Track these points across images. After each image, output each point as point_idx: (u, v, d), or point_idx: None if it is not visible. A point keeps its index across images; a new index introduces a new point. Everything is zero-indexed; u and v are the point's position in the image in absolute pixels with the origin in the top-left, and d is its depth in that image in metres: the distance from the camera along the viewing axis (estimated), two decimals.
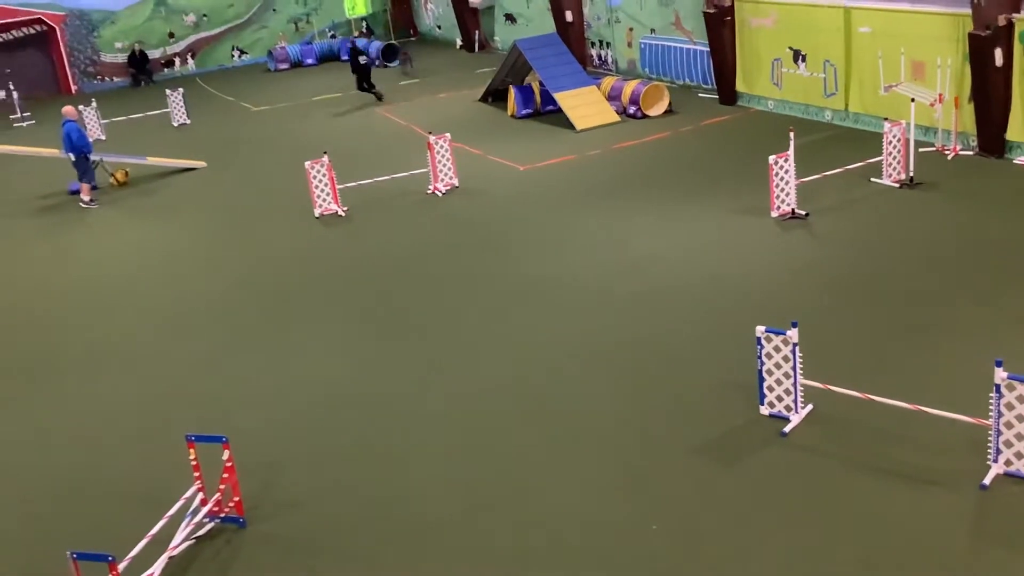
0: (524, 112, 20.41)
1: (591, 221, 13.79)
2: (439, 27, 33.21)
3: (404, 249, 13.48)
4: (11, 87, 27.95)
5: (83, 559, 6.08)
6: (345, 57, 31.21)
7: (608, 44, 23.77)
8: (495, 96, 22.05)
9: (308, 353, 10.52)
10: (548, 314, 10.85)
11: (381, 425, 8.86)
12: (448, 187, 15.82)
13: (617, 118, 19.26)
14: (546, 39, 21.17)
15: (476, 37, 30.03)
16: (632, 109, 19.42)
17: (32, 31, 30.18)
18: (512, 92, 20.53)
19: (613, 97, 19.80)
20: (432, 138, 15.71)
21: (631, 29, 22.73)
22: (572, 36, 23.55)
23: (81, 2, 30.69)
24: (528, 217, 14.27)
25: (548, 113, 20.10)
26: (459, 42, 30.99)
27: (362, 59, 24.08)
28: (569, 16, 23.99)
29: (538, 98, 20.39)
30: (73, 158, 17.09)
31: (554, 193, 15.24)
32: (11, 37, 29.99)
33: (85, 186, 17.23)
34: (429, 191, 15.74)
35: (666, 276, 11.56)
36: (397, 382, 9.66)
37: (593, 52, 24.37)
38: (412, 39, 33.95)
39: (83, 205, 17.18)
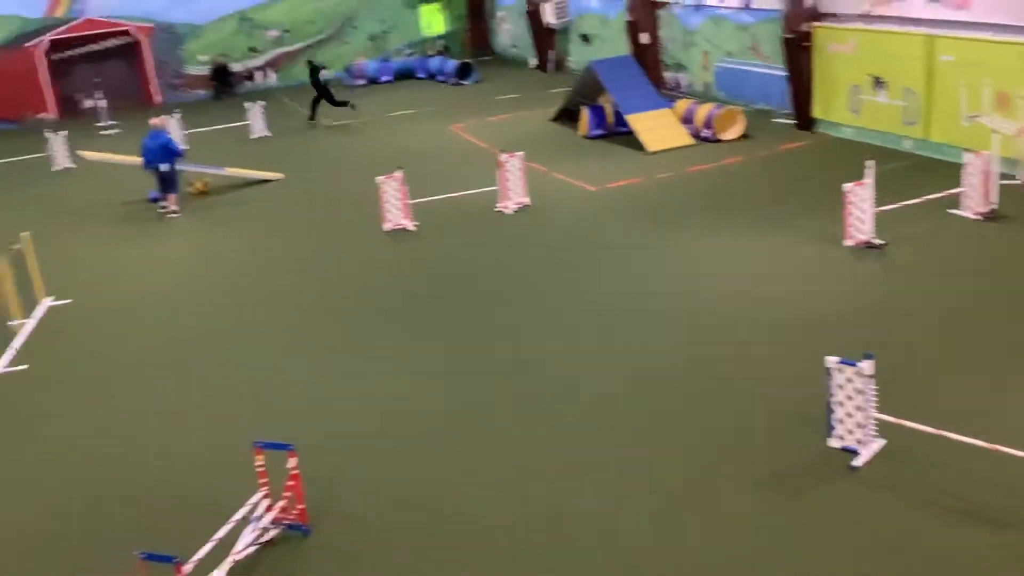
0: (596, 132, 20.42)
1: (661, 244, 13.71)
2: (514, 46, 33.43)
3: (472, 266, 13.56)
4: (99, 96, 28.90)
5: (150, 559, 6.21)
6: (421, 75, 31.68)
7: (683, 67, 23.67)
8: (568, 116, 22.10)
9: (375, 366, 10.62)
10: (614, 335, 10.81)
11: (447, 439, 8.89)
12: (518, 205, 15.88)
13: (690, 141, 19.15)
14: (621, 60, 21.18)
15: (550, 57, 30.16)
16: (706, 132, 19.30)
17: (121, 42, 31.18)
18: (585, 112, 20.56)
19: (687, 120, 19.70)
20: (503, 156, 15.80)
21: (707, 52, 22.62)
22: (647, 58, 23.51)
23: (169, 15, 31.61)
24: (597, 238, 14.24)
25: (620, 134, 20.06)
26: (533, 61, 31.16)
27: (322, 75, 25.27)
28: (645, 38, 23.97)
29: (610, 119, 20.38)
30: (166, 168, 17.29)
31: (624, 214, 15.20)
32: (101, 48, 31.03)
33: (173, 196, 17.56)
34: (498, 209, 15.82)
35: (735, 301, 11.43)
36: (463, 398, 9.69)
37: (668, 75, 24.29)
38: (487, 58, 34.22)
39: (162, 211, 17.53)
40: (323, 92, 25.26)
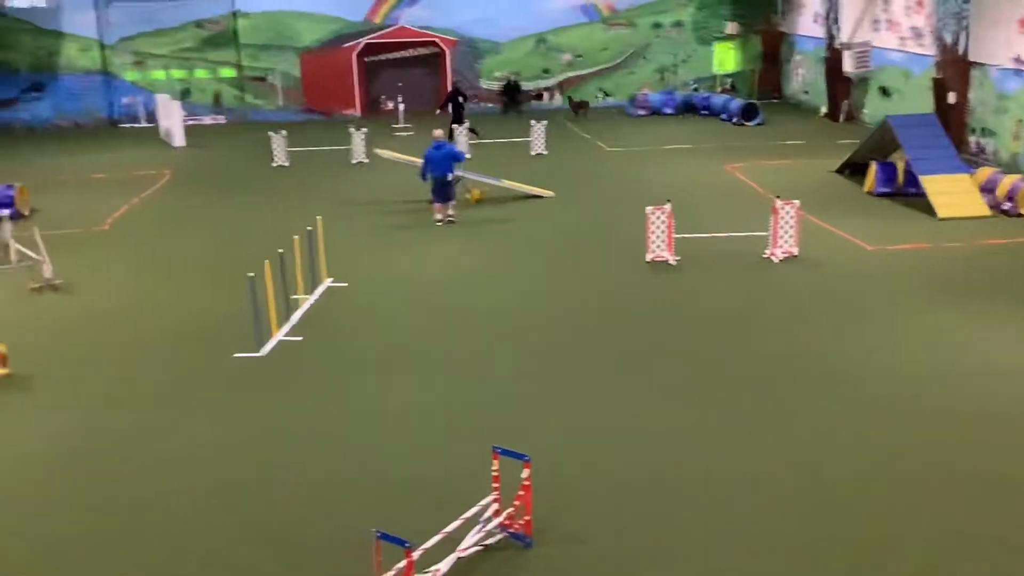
0: (882, 190, 19.36)
1: (936, 319, 12.66)
2: (805, 92, 32.44)
3: (726, 309, 13.21)
4: (399, 100, 30.98)
5: (385, 539, 6.51)
6: (704, 111, 31.44)
7: (991, 132, 21.95)
8: (853, 169, 21.12)
9: (616, 392, 10.59)
10: (865, 411, 10.06)
11: (683, 476, 8.70)
12: (786, 254, 15.33)
13: (988, 212, 17.72)
14: (921, 118, 19.99)
15: (843, 107, 29.00)
16: (1007, 205, 17.78)
17: (427, 52, 33.25)
18: (873, 167, 19.55)
19: (987, 189, 18.25)
20: (779, 202, 15.32)
21: (1021, 120, 20.84)
22: (951, 119, 22.01)
23: (473, 31, 33.37)
24: (865, 301, 13.40)
25: (909, 195, 18.90)
26: (824, 109, 30.09)
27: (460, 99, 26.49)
28: (952, 97, 22.47)
29: (901, 177, 19.26)
30: (449, 178, 17.82)
31: (900, 281, 14.25)
32: (407, 56, 33.25)
33: (452, 203, 18.12)
34: (765, 255, 15.35)
35: (1007, 401, 10.27)
36: (700, 438, 9.45)
37: (971, 139, 22.62)
38: (774, 101, 33.42)
39: (439, 221, 18.05)
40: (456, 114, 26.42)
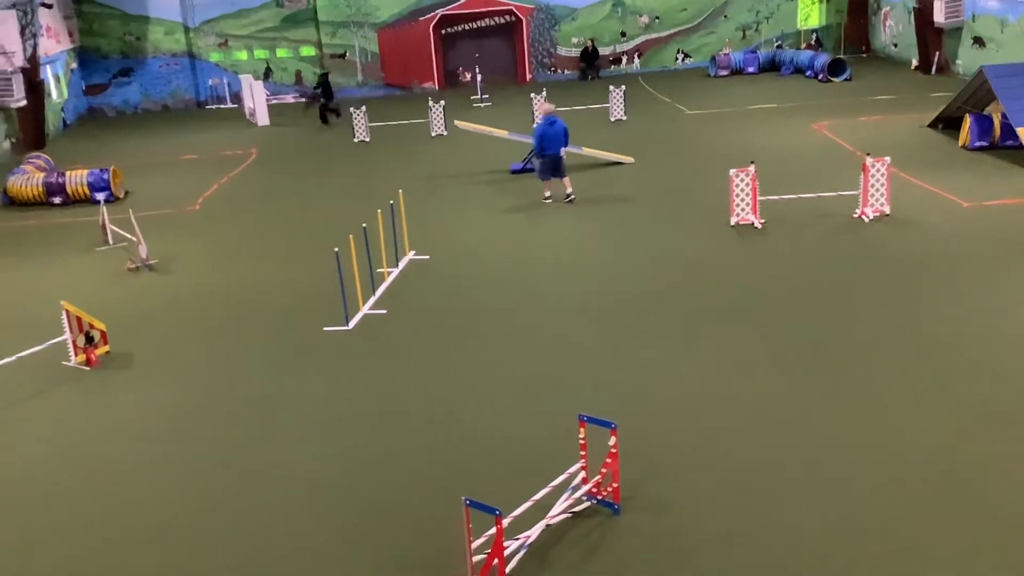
0: (978, 144, 18.63)
1: None
2: (895, 45, 31.36)
3: (818, 273, 12.90)
4: (477, 70, 30.95)
5: (474, 507, 6.58)
6: (788, 69, 30.62)
7: None
8: (946, 123, 20.36)
9: (704, 361, 10.47)
10: (958, 379, 9.74)
11: (770, 446, 8.58)
12: (877, 214, 14.89)
13: None
14: (1018, 68, 19.09)
15: (935, 59, 27.94)
16: None
17: (503, 21, 33.10)
18: (968, 120, 18.81)
19: None
20: (869, 160, 14.87)
21: None
22: None
23: None
24: (963, 261, 12.95)
25: (1006, 148, 18.15)
26: (915, 62, 29.05)
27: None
28: None
29: (997, 130, 18.50)
30: (562, 154, 17.03)
31: (999, 238, 13.71)
32: (483, 25, 33.14)
33: (548, 182, 17.28)
34: (855, 215, 14.93)
35: None
36: (791, 407, 9.29)
37: None
38: (862, 55, 32.38)
39: (546, 199, 17.26)
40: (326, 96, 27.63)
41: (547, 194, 17.36)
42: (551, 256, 14.51)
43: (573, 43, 33.42)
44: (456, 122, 21.64)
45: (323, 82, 28.23)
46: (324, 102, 27.89)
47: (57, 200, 19.77)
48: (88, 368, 11.29)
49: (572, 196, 17.14)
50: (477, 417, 9.51)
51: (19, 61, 25.69)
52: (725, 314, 11.74)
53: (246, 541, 7.68)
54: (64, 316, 11.25)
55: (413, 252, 14.75)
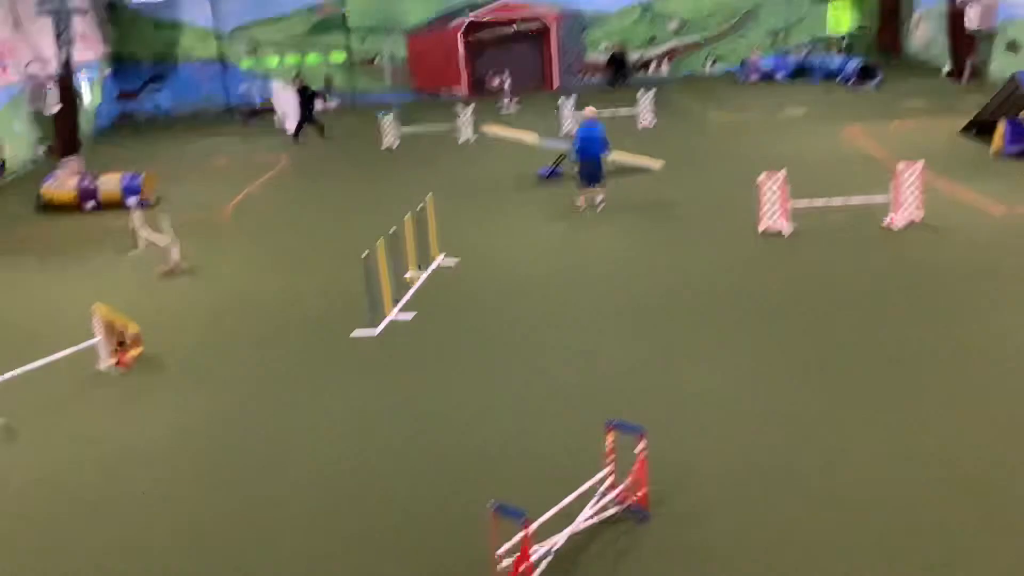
0: (1012, 150, 18.42)
1: None
2: (927, 50, 31.06)
3: (848, 281, 12.77)
4: (506, 77, 31.04)
5: (502, 512, 6.58)
6: (819, 74, 30.45)
7: None
8: (980, 129, 20.14)
9: (732, 369, 10.41)
10: (993, 394, 9.63)
11: (799, 456, 8.50)
12: (907, 221, 14.75)
13: None
14: None
15: (968, 65, 27.66)
16: None
17: (531, 27, 33.16)
18: (1002, 126, 18.60)
19: None
20: (900, 166, 14.73)
21: None
22: None
23: (580, 3, 33.08)
24: (995, 269, 12.75)
25: None
26: (947, 68, 28.77)
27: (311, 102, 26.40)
28: None
29: None
30: (599, 159, 16.78)
31: None
32: (512, 32, 33.22)
33: (591, 188, 17.01)
34: (885, 222, 14.80)
35: None
36: (819, 419, 9.20)
37: None
38: (894, 61, 32.12)
39: (579, 207, 16.98)
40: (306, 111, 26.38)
41: (581, 202, 17.11)
42: (578, 261, 14.49)
43: (602, 48, 33.42)
44: (485, 128, 21.68)
45: (306, 95, 26.48)
46: (303, 120, 26.32)
47: (90, 205, 20.03)
48: (121, 371, 11.42)
49: (602, 203, 17.04)
50: (504, 423, 9.50)
51: (54, 67, 26.09)
52: (753, 322, 11.66)
53: (277, 546, 7.72)
54: (96, 319, 11.38)
55: (442, 256, 14.79)
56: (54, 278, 15.57)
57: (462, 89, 33.33)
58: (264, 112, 28.21)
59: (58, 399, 10.77)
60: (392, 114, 25.10)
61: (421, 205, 14.81)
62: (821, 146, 20.90)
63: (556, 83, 33.26)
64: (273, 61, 33.62)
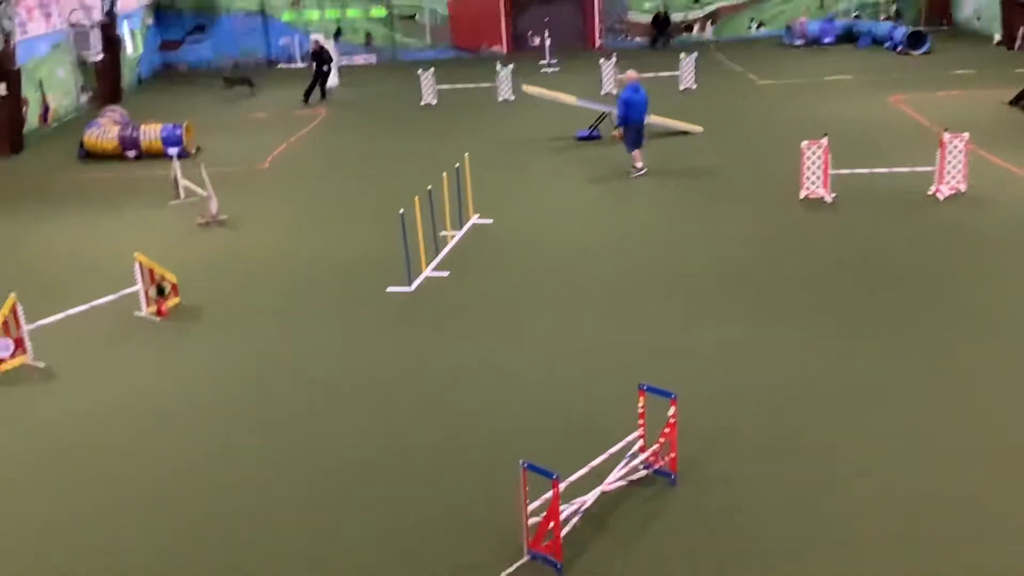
0: None
1: None
2: (978, 18, 30.33)
3: (888, 250, 12.62)
4: (546, 35, 30.72)
5: (532, 470, 6.63)
6: (866, 40, 29.84)
7: None
8: None
9: (768, 336, 10.33)
10: (1021, 364, 9.52)
11: (832, 424, 8.46)
12: (952, 191, 14.50)
13: None
14: None
15: (1019, 34, 26.97)
16: None
17: None
18: None
19: None
20: (946, 135, 14.46)
21: None
22: None
23: None
24: None
25: None
26: (998, 36, 28.08)
27: (325, 68, 25.74)
28: None
29: None
30: (643, 123, 16.57)
31: None
32: None
33: (637, 152, 16.71)
34: (929, 192, 14.56)
35: None
36: (856, 387, 9.13)
37: None
38: (943, 28, 31.39)
39: (633, 175, 16.67)
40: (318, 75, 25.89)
41: (639, 165, 16.72)
42: (615, 224, 14.42)
43: (645, 8, 32.96)
44: (524, 87, 21.52)
45: (319, 58, 25.92)
46: (313, 82, 25.91)
47: (131, 154, 20.21)
48: (158, 319, 11.58)
49: (641, 172, 16.74)
50: (536, 382, 9.54)
51: (97, 16, 26.22)
52: (791, 289, 11.57)
53: (305, 495, 7.84)
54: (137, 267, 11.53)
55: (477, 216, 14.78)
56: (95, 226, 15.77)
57: (502, 47, 33.07)
58: (244, 82, 28.07)
59: (98, 344, 10.96)
60: (431, 71, 24.98)
61: (458, 164, 14.78)
62: (866, 113, 20.55)
63: (598, 43, 32.90)
64: (314, 15, 33.52)
